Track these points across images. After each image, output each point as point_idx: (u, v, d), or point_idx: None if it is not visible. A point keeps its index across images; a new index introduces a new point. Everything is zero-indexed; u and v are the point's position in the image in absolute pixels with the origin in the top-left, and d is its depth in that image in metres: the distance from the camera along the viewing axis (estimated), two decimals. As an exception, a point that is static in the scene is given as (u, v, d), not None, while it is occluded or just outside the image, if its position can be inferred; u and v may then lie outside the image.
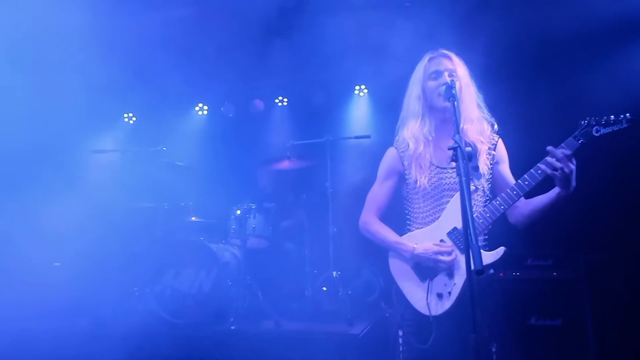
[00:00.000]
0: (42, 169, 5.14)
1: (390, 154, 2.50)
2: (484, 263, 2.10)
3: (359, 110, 6.37)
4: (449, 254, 2.23)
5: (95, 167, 5.70)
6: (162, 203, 5.21)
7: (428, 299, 2.22)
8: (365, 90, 6.41)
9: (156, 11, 4.96)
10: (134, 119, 6.93)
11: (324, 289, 5.00)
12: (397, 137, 2.51)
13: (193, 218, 5.25)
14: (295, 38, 5.91)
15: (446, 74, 2.34)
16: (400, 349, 2.31)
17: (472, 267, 1.67)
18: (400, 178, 2.47)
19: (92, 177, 5.61)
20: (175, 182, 5.39)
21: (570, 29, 4.51)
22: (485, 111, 2.46)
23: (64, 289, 4.91)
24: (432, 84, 2.37)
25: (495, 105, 2.56)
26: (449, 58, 2.41)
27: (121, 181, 5.51)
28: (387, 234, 2.41)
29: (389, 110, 5.90)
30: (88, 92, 5.22)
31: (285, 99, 6.77)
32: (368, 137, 5.20)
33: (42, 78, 4.75)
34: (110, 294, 4.85)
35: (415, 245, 2.28)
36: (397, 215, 2.52)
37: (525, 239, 3.46)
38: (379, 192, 2.50)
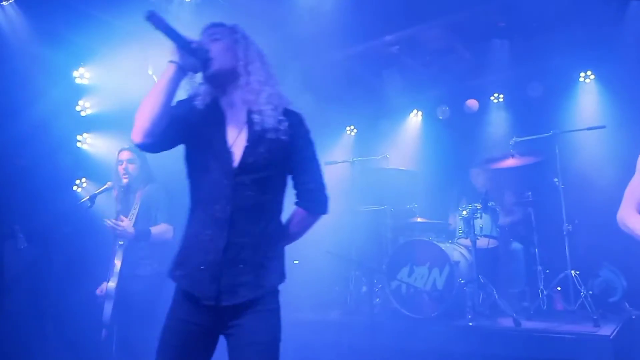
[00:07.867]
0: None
1: None
2: None
3: (587, 98, 5.90)
4: None
5: (329, 176, 6.43)
6: (389, 206, 5.59)
7: None
8: (592, 77, 5.91)
9: (376, 38, 5.53)
10: (355, 130, 7.59)
11: (559, 288, 4.82)
12: None
13: (418, 219, 5.47)
14: (508, 33, 5.81)
15: None
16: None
17: None
18: None
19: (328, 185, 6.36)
20: (400, 186, 5.75)
21: None
22: None
23: (306, 285, 5.72)
24: None
25: None
26: None
27: (352, 188, 6.09)
28: None
29: (622, 95, 5.40)
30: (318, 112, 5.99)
31: (501, 95, 6.62)
32: (603, 127, 4.79)
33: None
34: (348, 289, 5.48)
35: None
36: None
37: None
38: (638, 185, 2.43)
